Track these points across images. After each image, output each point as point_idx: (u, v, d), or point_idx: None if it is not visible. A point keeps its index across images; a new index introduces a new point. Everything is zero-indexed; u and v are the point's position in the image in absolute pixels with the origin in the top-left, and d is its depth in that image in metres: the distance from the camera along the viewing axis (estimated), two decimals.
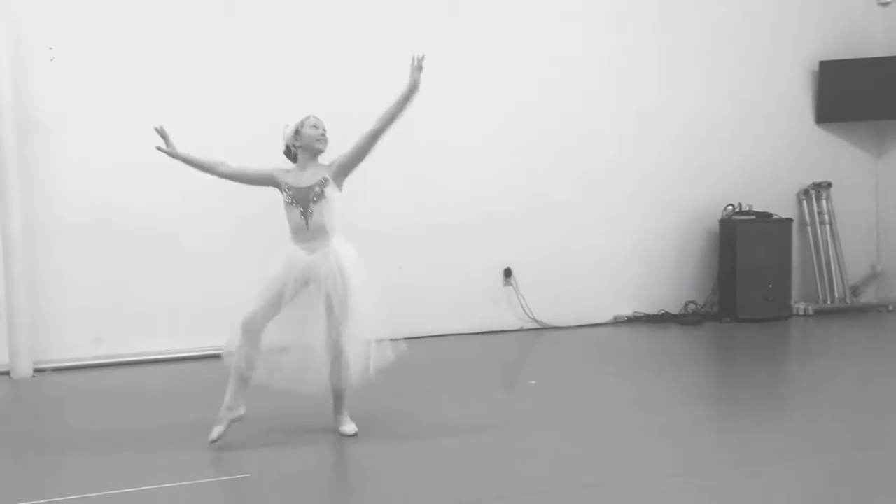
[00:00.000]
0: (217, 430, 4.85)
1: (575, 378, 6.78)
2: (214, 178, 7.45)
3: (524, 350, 8.14)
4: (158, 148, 5.11)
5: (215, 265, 7.49)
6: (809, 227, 9.46)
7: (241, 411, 4.95)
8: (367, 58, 7.86)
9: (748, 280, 8.80)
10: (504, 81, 8.40)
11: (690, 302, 9.06)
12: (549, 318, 8.58)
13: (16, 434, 5.58)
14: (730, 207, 9.02)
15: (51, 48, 7.19)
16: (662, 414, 5.65)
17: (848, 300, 9.46)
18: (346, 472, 4.67)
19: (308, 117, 5.06)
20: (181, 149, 5.14)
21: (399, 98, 4.99)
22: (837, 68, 9.28)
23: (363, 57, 7.88)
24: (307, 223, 4.98)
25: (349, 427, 5.09)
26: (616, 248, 8.83)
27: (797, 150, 9.37)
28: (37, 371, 7.02)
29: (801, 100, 9.42)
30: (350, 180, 7.77)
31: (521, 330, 8.54)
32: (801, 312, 9.16)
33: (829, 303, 9.39)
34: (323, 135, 5.06)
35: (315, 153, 5.07)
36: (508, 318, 8.55)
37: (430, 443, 5.06)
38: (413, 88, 4.98)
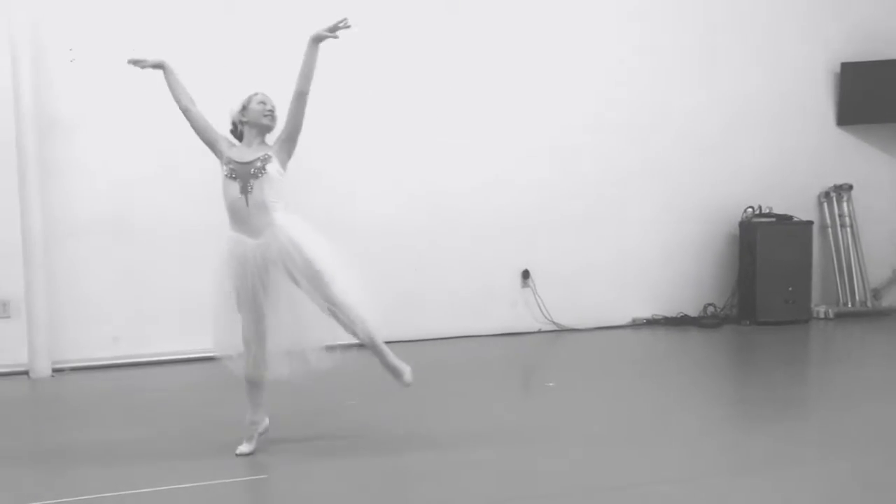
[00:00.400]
0: (245, 447, 4.82)
1: (593, 380, 6.75)
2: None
3: (542, 352, 8.11)
4: (130, 60, 5.07)
5: None
6: (830, 230, 9.40)
7: (266, 423, 4.93)
8: (384, 58, 7.87)
9: (768, 283, 8.74)
10: (526, 84, 8.38)
11: (709, 304, 9.01)
12: (566, 320, 8.55)
13: (34, 433, 5.61)
14: (750, 209, 8.97)
15: (71, 49, 7.22)
16: (682, 417, 5.62)
17: (869, 303, 9.39)
18: (365, 473, 4.66)
19: (256, 94, 4.90)
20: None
21: (310, 43, 4.79)
22: (859, 70, 9.21)
23: (379, 57, 7.90)
24: (247, 200, 4.76)
25: (406, 375, 4.98)
26: (634, 249, 8.79)
27: (818, 152, 9.31)
28: (55, 371, 7.05)
29: (823, 101, 9.35)
30: (369, 181, 7.92)
31: (539, 332, 8.51)
32: (822, 315, 9.09)
33: (849, 306, 9.32)
34: (271, 111, 4.88)
35: (262, 130, 4.89)
36: (526, 320, 8.52)
37: (451, 444, 5.04)
38: (316, 39, 4.76)
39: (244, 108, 4.88)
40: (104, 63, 7.26)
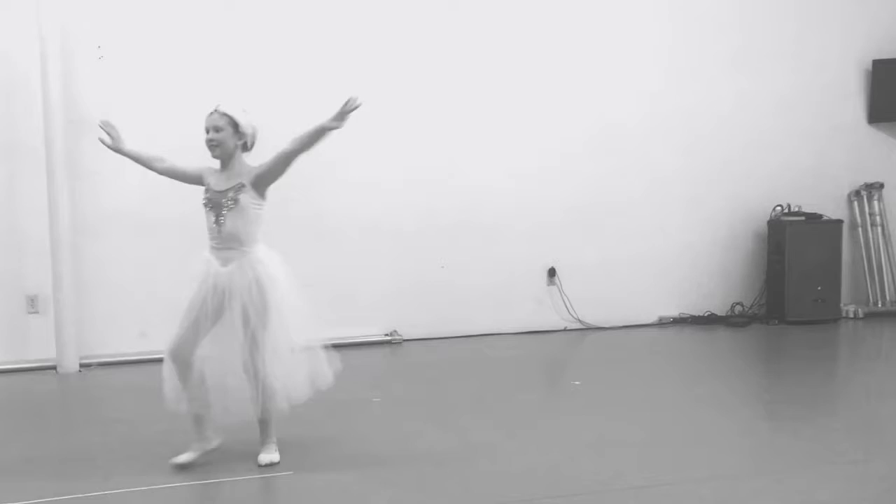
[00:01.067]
0: (185, 457, 4.61)
1: (619, 379, 6.72)
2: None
3: (568, 350, 8.09)
4: (101, 140, 4.91)
5: None
6: (860, 229, 9.30)
7: (214, 444, 4.72)
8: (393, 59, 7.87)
9: (797, 282, 8.67)
10: (556, 81, 8.33)
11: (737, 303, 8.94)
12: (593, 319, 8.51)
13: (61, 428, 5.65)
14: (779, 208, 8.88)
15: (99, 47, 7.26)
16: (709, 415, 5.59)
17: None
18: (382, 471, 4.66)
19: (209, 115, 4.65)
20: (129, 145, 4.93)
21: (317, 128, 4.52)
22: (891, 67, 9.10)
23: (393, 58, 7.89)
24: (219, 231, 4.59)
25: (267, 456, 4.64)
26: (662, 248, 8.74)
27: (849, 150, 9.20)
28: (83, 366, 7.09)
29: (854, 99, 9.24)
30: (394, 179, 7.91)
31: (565, 330, 8.48)
32: (851, 315, 9.00)
33: (879, 305, 9.22)
34: (211, 140, 4.60)
35: (219, 160, 4.68)
36: (552, 318, 8.49)
37: (475, 439, 5.03)
38: (333, 126, 4.50)
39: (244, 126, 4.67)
40: (132, 60, 7.31)
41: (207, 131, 4.63)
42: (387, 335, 7.99)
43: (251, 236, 4.62)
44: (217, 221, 4.60)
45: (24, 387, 6.75)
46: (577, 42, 8.40)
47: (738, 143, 8.86)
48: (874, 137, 9.33)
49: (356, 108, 4.47)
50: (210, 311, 4.55)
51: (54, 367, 7.06)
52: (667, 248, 8.76)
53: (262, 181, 4.62)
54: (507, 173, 8.26)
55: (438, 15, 8.00)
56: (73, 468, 4.74)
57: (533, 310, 8.41)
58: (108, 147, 4.92)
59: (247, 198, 4.59)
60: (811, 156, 9.05)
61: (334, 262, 7.80)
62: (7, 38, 7.06)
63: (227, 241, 4.60)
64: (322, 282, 7.74)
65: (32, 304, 7.19)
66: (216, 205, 4.61)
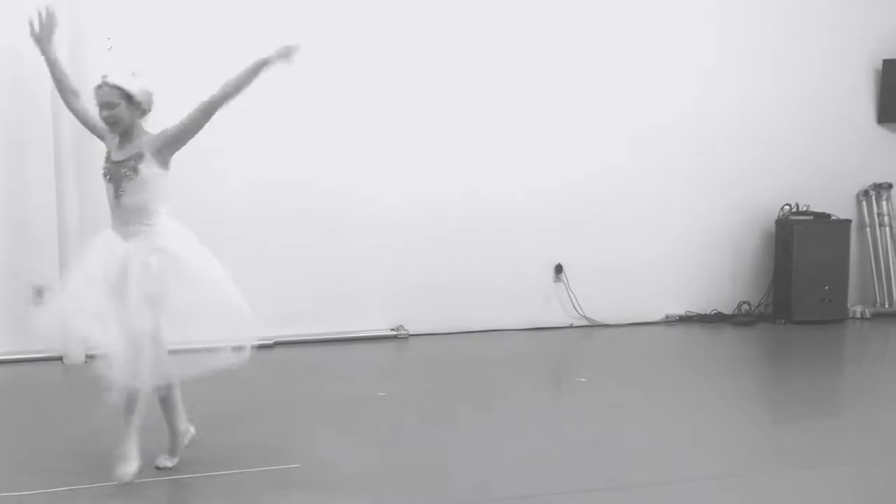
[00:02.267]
0: (167, 461, 4.50)
1: (625, 376, 6.71)
2: (263, 171, 7.56)
3: (574, 347, 8.08)
4: (30, 25, 4.47)
5: (264, 257, 7.54)
6: (868, 229, 9.27)
7: (191, 432, 4.62)
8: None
9: (804, 281, 8.64)
10: (563, 80, 8.31)
11: (744, 302, 8.92)
12: (599, 316, 8.50)
13: (68, 418, 5.65)
14: (787, 207, 8.86)
15: (109, 38, 7.25)
16: (714, 414, 5.58)
17: None
18: (386, 465, 4.66)
19: (97, 88, 4.26)
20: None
21: (257, 62, 4.25)
22: None
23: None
24: (119, 203, 4.26)
25: (187, 437, 4.54)
26: (669, 245, 8.72)
27: (858, 150, 9.17)
28: (89, 357, 7.09)
29: (863, 99, 9.21)
30: (402, 175, 7.91)
31: (571, 327, 8.47)
32: (858, 315, 8.97)
33: (886, 306, 9.20)
34: (107, 118, 4.25)
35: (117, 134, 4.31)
36: (559, 315, 8.49)
37: (479, 434, 5.03)
38: (267, 63, 4.23)
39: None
40: (141, 52, 7.30)
41: (101, 108, 4.27)
42: (393, 330, 8.00)
43: (154, 211, 4.28)
44: (117, 195, 4.26)
45: (31, 377, 6.78)
46: (584, 41, 8.36)
47: (746, 143, 8.83)
48: (883, 137, 9.29)
49: (293, 54, 4.23)
50: (116, 289, 4.19)
51: (60, 358, 7.07)
52: (674, 246, 8.74)
53: (168, 148, 4.29)
54: (515, 170, 8.25)
55: (453, 15, 8.02)
56: (79, 458, 4.75)
57: (539, 306, 8.41)
58: (34, 37, 4.47)
59: (147, 168, 4.23)
60: (820, 155, 9.02)
61: (341, 257, 7.81)
62: (15, 32, 7.05)
63: (127, 216, 4.27)
64: (329, 276, 7.79)
65: (39, 295, 7.20)
66: (115, 176, 4.26)
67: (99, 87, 4.26)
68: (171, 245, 4.31)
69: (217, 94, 4.26)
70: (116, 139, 4.35)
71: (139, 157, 4.24)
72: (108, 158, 4.33)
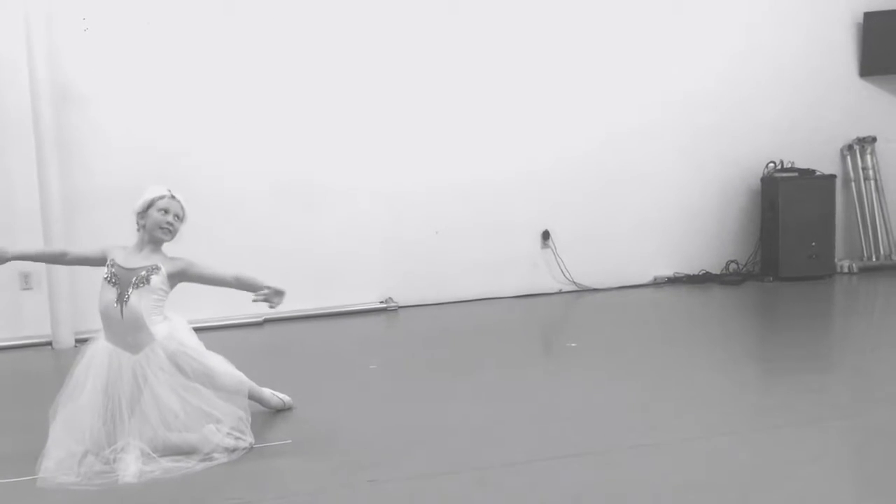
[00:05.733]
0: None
1: (615, 339, 6.72)
2: (249, 146, 7.55)
3: (563, 312, 8.09)
4: None
5: (254, 232, 7.55)
6: (853, 183, 9.28)
7: None
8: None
9: (791, 238, 8.66)
10: (544, 47, 8.30)
11: (732, 261, 8.94)
12: (587, 281, 8.52)
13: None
14: (771, 164, 8.86)
15: (84, 19, 7.19)
16: (706, 373, 5.59)
17: (893, 257, 9.29)
18: (378, 438, 4.67)
19: (163, 196, 4.48)
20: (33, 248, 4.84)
21: (252, 284, 4.50)
22: (882, 20, 9.04)
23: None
24: (121, 311, 4.34)
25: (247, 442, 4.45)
26: (655, 208, 8.73)
27: (840, 104, 9.17)
28: (78, 341, 7.07)
29: (845, 53, 9.20)
30: (389, 146, 7.89)
31: (560, 292, 8.49)
32: (846, 270, 9.01)
33: (873, 260, 9.23)
34: (170, 225, 4.47)
35: (156, 242, 4.51)
36: (547, 281, 8.50)
37: (471, 403, 5.04)
38: (258, 291, 4.46)
39: (145, 209, 4.50)
40: (118, 32, 7.25)
41: (166, 212, 4.48)
42: (382, 302, 7.99)
43: (153, 320, 4.40)
44: (120, 299, 4.35)
45: (21, 363, 6.76)
46: (566, 11, 8.34)
47: (730, 101, 8.82)
48: (866, 91, 9.28)
49: (279, 302, 4.46)
50: (125, 402, 4.27)
51: (50, 343, 7.06)
52: (661, 208, 8.74)
53: (183, 278, 4.50)
54: (502, 138, 8.24)
55: (444, 12, 8.02)
56: None
57: (528, 273, 8.42)
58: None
59: (158, 281, 4.40)
60: (803, 111, 9.02)
61: (328, 229, 7.80)
62: None
63: (127, 326, 4.35)
64: (316, 249, 7.78)
65: (26, 280, 7.17)
66: (123, 281, 4.37)
67: (171, 197, 4.51)
68: (181, 337, 4.49)
69: (229, 278, 4.54)
70: (127, 250, 4.50)
71: (155, 269, 4.43)
72: (114, 263, 4.43)
